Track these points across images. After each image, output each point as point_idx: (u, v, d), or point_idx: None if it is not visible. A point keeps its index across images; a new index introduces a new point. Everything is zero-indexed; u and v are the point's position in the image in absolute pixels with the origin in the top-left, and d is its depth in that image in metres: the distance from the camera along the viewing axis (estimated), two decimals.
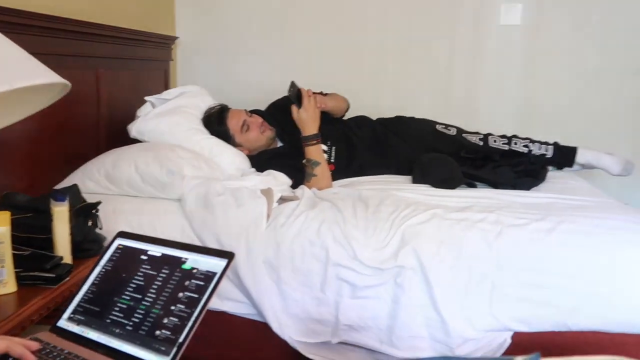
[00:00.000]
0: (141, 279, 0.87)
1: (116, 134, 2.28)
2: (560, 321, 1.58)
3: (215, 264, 0.83)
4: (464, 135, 2.36)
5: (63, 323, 0.90)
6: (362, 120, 2.49)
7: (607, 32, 2.74)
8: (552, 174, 2.28)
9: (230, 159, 2.16)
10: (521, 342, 1.61)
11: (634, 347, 1.57)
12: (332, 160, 2.28)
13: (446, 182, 2.04)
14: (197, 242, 1.75)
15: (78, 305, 0.91)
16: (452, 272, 1.61)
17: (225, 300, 1.73)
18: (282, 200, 1.87)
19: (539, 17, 2.78)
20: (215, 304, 1.73)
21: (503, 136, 2.37)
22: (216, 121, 2.26)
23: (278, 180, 2.03)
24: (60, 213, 1.36)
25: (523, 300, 1.59)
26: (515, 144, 2.31)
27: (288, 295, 1.69)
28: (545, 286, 1.58)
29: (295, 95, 2.15)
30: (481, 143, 2.31)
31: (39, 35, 1.82)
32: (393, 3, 2.88)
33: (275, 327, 1.67)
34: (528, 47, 2.83)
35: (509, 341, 1.61)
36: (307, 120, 2.13)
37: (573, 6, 2.75)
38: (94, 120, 2.24)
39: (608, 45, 2.75)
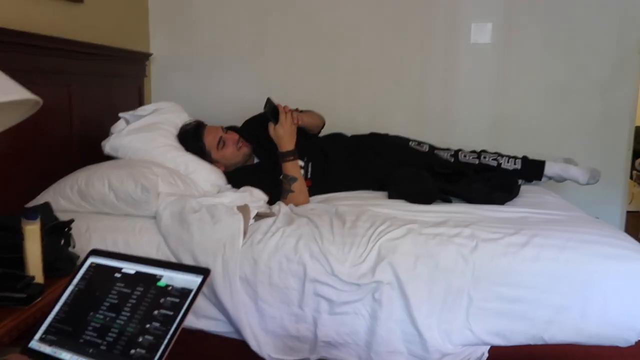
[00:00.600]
0: (115, 297, 0.86)
1: (90, 151, 2.25)
2: (536, 334, 1.59)
3: (190, 281, 0.82)
4: (435, 151, 2.40)
5: (35, 344, 0.88)
6: (337, 136, 2.50)
7: (575, 49, 2.81)
8: (525, 188, 2.33)
9: (206, 176, 2.14)
10: (498, 356, 1.62)
11: (607, 359, 1.60)
12: (309, 176, 2.28)
13: (421, 197, 2.05)
14: (173, 259, 1.73)
15: (50, 325, 0.88)
16: (429, 286, 1.62)
17: (202, 318, 1.70)
18: (259, 216, 1.86)
19: (509, 35, 2.84)
20: (192, 322, 1.70)
21: (473, 151, 2.41)
22: (192, 138, 2.25)
23: (255, 197, 2.02)
24: (31, 232, 1.32)
25: (499, 314, 1.60)
26: (485, 158, 2.35)
27: (266, 312, 1.67)
28: (520, 300, 1.59)
29: (272, 112, 2.16)
30: (452, 159, 2.35)
31: (8, 51, 1.79)
32: (367, 21, 2.92)
33: (253, 345, 1.65)
34: (499, 64, 2.89)
35: (486, 355, 1.62)
36: (284, 136, 2.13)
37: (542, 25, 2.82)
38: (67, 136, 2.21)
39: (576, 62, 2.83)
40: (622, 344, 1.59)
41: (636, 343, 1.59)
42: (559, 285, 1.58)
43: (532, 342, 1.61)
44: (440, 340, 1.60)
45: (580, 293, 1.58)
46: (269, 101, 2.17)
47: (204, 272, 0.82)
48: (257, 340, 1.65)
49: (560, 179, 2.44)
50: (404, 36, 2.91)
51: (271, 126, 2.15)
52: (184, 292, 0.81)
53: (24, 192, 1.92)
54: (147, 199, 1.79)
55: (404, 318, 1.61)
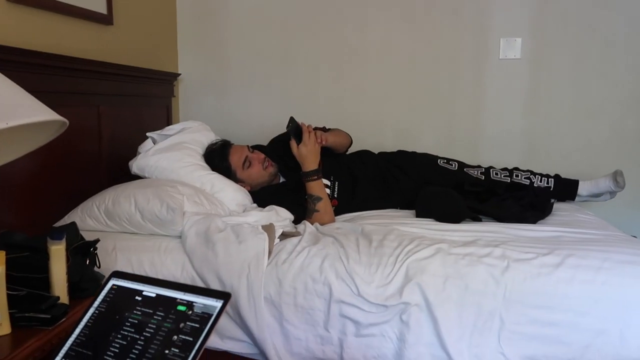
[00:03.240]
0: (135, 321, 0.84)
1: (118, 170, 2.27)
2: (572, 359, 1.52)
3: (211, 306, 0.80)
4: (465, 169, 2.36)
5: None
6: (364, 154, 2.48)
7: (607, 64, 2.74)
8: (558, 206, 2.26)
9: (232, 195, 2.14)
10: None
11: None
12: (335, 196, 2.26)
13: (450, 216, 2.01)
14: (197, 279, 1.72)
15: (70, 349, 0.87)
16: (459, 308, 1.57)
17: (227, 339, 1.69)
18: (284, 236, 1.84)
19: (539, 51, 2.79)
20: (216, 343, 1.69)
21: (504, 169, 2.36)
22: (218, 157, 2.25)
23: (280, 216, 2.01)
24: (57, 252, 1.33)
25: (533, 337, 1.54)
26: (517, 176, 2.31)
27: (291, 334, 1.64)
28: (555, 323, 1.53)
29: (295, 131, 2.15)
30: (483, 177, 2.31)
31: (39, 73, 1.83)
32: (394, 37, 2.90)
33: None
34: (529, 80, 2.83)
35: None
36: (307, 155, 2.12)
37: (572, 39, 2.76)
38: (96, 156, 2.24)
39: (609, 77, 2.76)
40: None
41: None
42: (596, 308, 1.52)
43: None
44: None
45: (619, 316, 1.51)
46: (292, 120, 2.16)
47: (225, 296, 0.80)
48: None
49: (596, 196, 2.38)
50: (432, 52, 2.89)
51: (294, 145, 2.14)
52: (204, 317, 0.79)
53: (53, 212, 1.94)
54: (173, 219, 1.79)
55: (433, 341, 1.56)
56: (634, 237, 2.02)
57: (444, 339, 1.55)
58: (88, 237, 1.55)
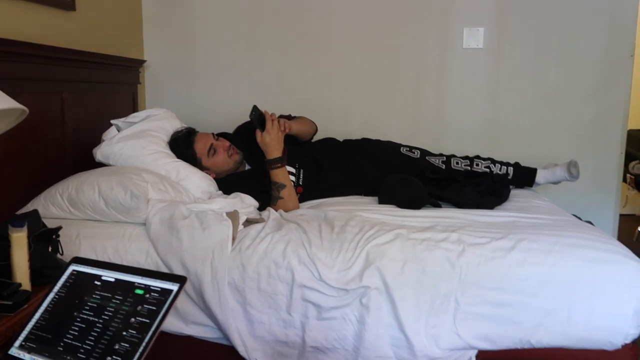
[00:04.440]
0: (94, 304, 0.87)
1: (83, 158, 2.26)
2: (523, 338, 1.60)
3: (167, 289, 0.83)
4: (427, 157, 2.42)
5: (14, 351, 0.89)
6: (329, 142, 2.52)
7: (567, 54, 2.83)
8: (515, 192, 2.34)
9: (197, 183, 2.16)
10: None
11: None
12: (301, 183, 2.29)
13: (411, 202, 2.07)
14: (162, 266, 1.74)
15: (30, 332, 0.89)
16: (417, 291, 1.63)
17: (191, 324, 1.71)
18: (248, 222, 1.87)
19: (501, 40, 2.86)
20: (181, 328, 1.71)
21: (465, 157, 2.43)
22: (183, 145, 2.26)
23: (245, 203, 2.04)
24: (18, 239, 1.34)
25: (486, 318, 1.61)
26: (477, 165, 2.37)
27: (254, 318, 1.68)
28: (507, 304, 1.60)
29: (258, 119, 2.17)
30: (443, 166, 2.37)
31: (0, 60, 1.81)
32: (360, 26, 2.94)
33: (242, 351, 1.66)
34: (491, 69, 2.90)
35: (474, 359, 1.63)
36: (271, 143, 2.14)
37: (533, 29, 2.83)
38: (60, 144, 2.22)
39: (568, 67, 2.84)
40: (609, 347, 1.60)
41: (622, 346, 1.60)
42: (545, 289, 1.59)
43: (519, 346, 1.62)
44: (428, 344, 1.61)
45: (566, 297, 1.59)
46: (255, 108, 2.18)
47: (181, 280, 0.83)
48: (245, 346, 1.66)
49: (554, 183, 2.48)
50: (397, 41, 2.93)
51: (258, 133, 2.16)
52: (160, 300, 0.82)
53: (16, 200, 1.93)
54: (137, 206, 1.80)
55: (392, 323, 1.62)
56: (589, 222, 2.11)
57: (402, 321, 1.60)
58: (51, 224, 1.56)
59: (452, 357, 1.62)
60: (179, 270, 1.70)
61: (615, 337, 1.58)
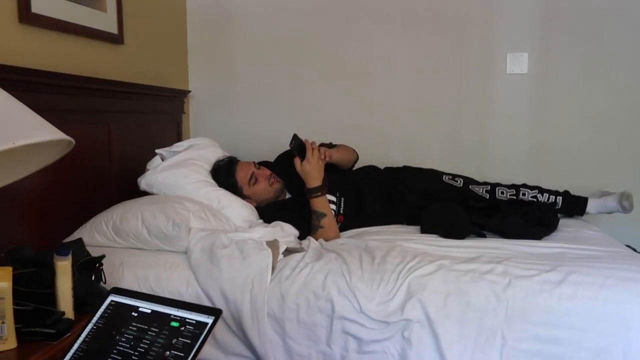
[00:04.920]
0: (130, 336, 0.87)
1: (128, 187, 2.31)
2: None
3: (202, 322, 0.82)
4: (471, 186, 2.36)
5: None
6: (370, 170, 2.50)
7: (614, 76, 2.74)
8: (565, 221, 2.25)
9: (238, 211, 2.17)
10: None
11: None
12: (341, 212, 2.27)
13: (454, 232, 2.02)
14: (202, 295, 1.74)
15: None
16: (461, 325, 1.57)
17: (230, 355, 1.70)
18: (288, 252, 1.86)
19: (546, 65, 2.80)
20: (220, 358, 1.70)
21: (512, 186, 2.36)
22: (224, 173, 2.28)
23: (285, 232, 2.03)
24: (63, 267, 1.36)
25: (535, 355, 1.54)
26: (524, 194, 2.30)
27: (293, 350, 1.65)
28: (557, 341, 1.53)
29: (298, 148, 2.17)
30: (487, 196, 2.31)
31: (51, 92, 1.88)
32: (401, 53, 2.93)
33: None
34: (536, 94, 2.84)
35: None
36: (311, 172, 2.14)
37: (579, 53, 2.76)
38: (106, 173, 2.28)
39: (616, 90, 2.75)
40: None
41: None
42: (598, 325, 1.51)
43: None
44: None
45: (621, 335, 1.50)
46: (295, 137, 2.18)
47: (216, 312, 0.82)
48: None
49: (607, 213, 2.38)
50: (439, 68, 2.91)
51: (297, 162, 2.16)
52: (195, 333, 0.81)
53: (63, 228, 1.98)
54: (179, 235, 1.82)
55: (435, 358, 1.56)
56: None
57: (445, 356, 1.55)
58: (96, 252, 1.59)
59: None
60: (218, 300, 1.69)
61: None
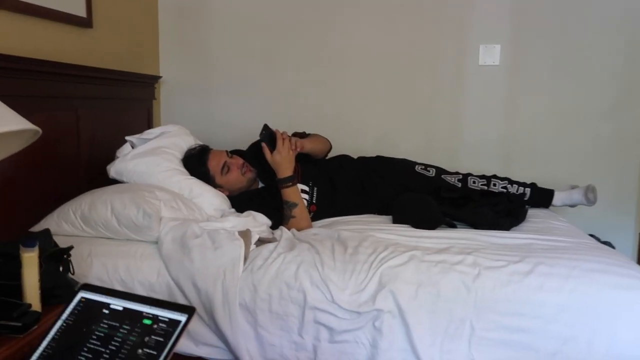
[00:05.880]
0: (101, 334, 0.85)
1: (97, 175, 2.27)
2: None
3: (175, 320, 0.81)
4: (443, 176, 2.39)
5: None
6: (343, 160, 2.50)
7: (584, 71, 2.79)
8: (533, 212, 2.30)
9: (210, 200, 2.15)
10: None
11: None
12: (314, 201, 2.27)
13: (426, 222, 2.04)
14: (173, 285, 1.72)
15: None
16: (431, 315, 1.59)
17: (201, 345, 1.69)
18: (260, 242, 1.85)
19: (518, 58, 2.83)
20: (191, 349, 1.69)
21: (482, 176, 2.40)
22: (196, 162, 2.25)
23: (257, 221, 2.02)
24: (29, 259, 1.33)
25: (503, 344, 1.57)
26: (494, 185, 2.34)
27: (265, 340, 1.66)
28: (524, 330, 1.56)
29: (268, 138, 2.16)
30: (459, 185, 2.34)
31: (17, 78, 1.82)
32: (375, 43, 2.93)
33: None
34: (508, 86, 2.87)
35: None
36: (281, 162, 2.13)
37: (550, 46, 2.80)
38: (74, 160, 2.23)
39: (586, 84, 2.80)
40: None
41: None
42: (564, 315, 1.55)
43: None
44: None
45: (586, 324, 1.54)
46: (265, 127, 2.17)
47: (189, 310, 0.82)
48: None
49: (572, 205, 2.44)
50: (413, 58, 2.92)
51: (267, 152, 2.15)
52: (168, 332, 0.80)
53: (30, 216, 1.94)
54: (149, 225, 1.80)
55: (406, 347, 1.58)
56: (608, 242, 2.07)
57: (416, 345, 1.57)
58: (64, 242, 1.55)
59: None
60: (190, 290, 1.68)
61: None
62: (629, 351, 1.53)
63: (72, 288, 1.49)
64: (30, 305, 1.32)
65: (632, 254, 2.86)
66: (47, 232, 1.50)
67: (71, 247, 1.49)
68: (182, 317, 0.81)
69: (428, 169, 2.42)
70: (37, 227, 1.86)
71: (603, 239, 2.21)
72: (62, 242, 1.54)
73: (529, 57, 2.83)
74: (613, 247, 2.03)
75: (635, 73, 2.76)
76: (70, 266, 1.51)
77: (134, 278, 1.73)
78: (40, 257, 1.36)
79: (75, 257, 1.55)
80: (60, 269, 1.47)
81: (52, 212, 1.93)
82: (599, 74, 2.79)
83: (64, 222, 1.88)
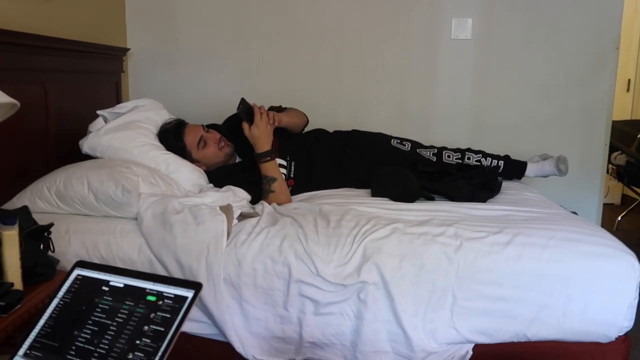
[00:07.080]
0: (103, 311, 0.83)
1: (67, 149, 2.20)
2: (519, 332, 1.61)
3: (182, 296, 0.80)
4: (418, 150, 2.41)
5: None
6: (320, 134, 2.49)
7: (554, 45, 2.84)
8: (507, 184, 2.35)
9: (187, 175, 2.11)
10: (482, 354, 1.64)
11: (588, 356, 1.63)
12: (292, 176, 2.26)
13: (404, 195, 2.06)
14: (155, 262, 1.70)
15: (35, 340, 0.86)
16: (414, 286, 1.62)
17: (187, 320, 1.67)
18: (242, 216, 1.84)
19: (489, 32, 2.86)
20: None
21: (457, 150, 2.43)
22: (172, 137, 2.21)
23: (237, 196, 2.00)
24: (10, 237, 1.29)
25: (483, 312, 1.62)
26: (469, 158, 2.38)
27: (250, 314, 1.66)
28: (503, 298, 1.61)
29: (246, 112, 2.13)
30: (434, 158, 2.37)
31: None
32: (348, 16, 2.90)
33: (238, 347, 1.64)
34: (479, 60, 2.90)
35: (470, 353, 1.64)
36: (259, 137, 2.11)
37: (521, 21, 2.84)
38: (43, 134, 2.16)
39: (555, 58, 2.86)
40: (603, 339, 1.62)
41: (616, 339, 1.62)
42: (541, 283, 1.61)
43: (515, 340, 1.63)
44: (425, 339, 1.62)
45: (562, 291, 1.60)
46: (242, 101, 2.13)
47: (196, 286, 0.81)
48: (241, 342, 1.65)
49: (544, 176, 2.50)
50: (385, 32, 2.91)
51: (246, 127, 2.12)
52: (175, 308, 0.79)
53: None
54: (129, 201, 1.76)
55: (390, 318, 1.61)
56: (574, 213, 2.13)
57: (399, 316, 1.60)
58: (39, 219, 1.50)
59: (449, 352, 1.63)
60: (173, 267, 1.66)
61: (610, 330, 1.61)
62: (601, 315, 1.61)
63: (53, 266, 1.46)
64: (12, 285, 1.29)
65: (596, 223, 2.97)
66: (25, 209, 1.45)
67: (51, 224, 1.46)
68: (188, 293, 0.80)
69: (404, 142, 2.44)
70: (10, 205, 1.80)
71: (570, 210, 2.28)
72: (37, 220, 1.49)
73: (501, 31, 2.86)
74: None
75: (604, 46, 2.82)
76: (51, 244, 1.47)
77: (114, 255, 1.70)
78: (20, 235, 1.33)
79: (52, 235, 1.50)
80: (41, 246, 1.43)
81: (25, 189, 1.87)
82: (568, 49, 2.84)
83: (38, 199, 1.82)
